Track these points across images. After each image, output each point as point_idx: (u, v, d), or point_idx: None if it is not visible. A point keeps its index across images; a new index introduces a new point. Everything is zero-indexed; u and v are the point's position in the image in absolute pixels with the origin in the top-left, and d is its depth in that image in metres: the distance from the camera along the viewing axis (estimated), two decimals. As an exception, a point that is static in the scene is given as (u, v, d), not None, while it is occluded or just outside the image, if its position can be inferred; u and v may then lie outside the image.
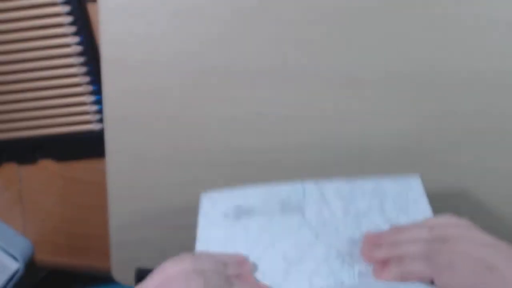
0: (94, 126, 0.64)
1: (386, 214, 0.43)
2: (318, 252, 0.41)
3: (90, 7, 0.60)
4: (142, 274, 0.58)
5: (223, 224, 0.44)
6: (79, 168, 0.66)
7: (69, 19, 0.59)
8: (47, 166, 0.67)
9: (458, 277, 0.35)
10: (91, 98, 0.63)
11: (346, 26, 0.50)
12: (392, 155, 0.52)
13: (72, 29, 0.60)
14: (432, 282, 0.36)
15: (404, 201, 0.44)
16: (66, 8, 0.59)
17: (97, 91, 0.62)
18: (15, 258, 0.64)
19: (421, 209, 0.43)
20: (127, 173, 0.56)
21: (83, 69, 0.61)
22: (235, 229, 0.44)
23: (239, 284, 0.38)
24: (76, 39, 0.60)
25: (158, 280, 0.36)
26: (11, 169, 0.68)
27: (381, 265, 0.38)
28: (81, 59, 0.61)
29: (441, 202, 0.52)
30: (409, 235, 0.39)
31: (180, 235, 0.57)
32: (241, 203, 0.46)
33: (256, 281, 0.39)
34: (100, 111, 0.63)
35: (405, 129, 0.52)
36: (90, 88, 0.62)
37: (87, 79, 0.62)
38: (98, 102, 0.63)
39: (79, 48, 0.61)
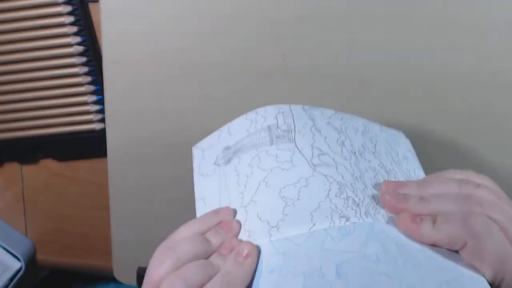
0: (96, 126, 0.64)
1: (380, 159, 0.38)
2: (318, 187, 0.35)
3: (91, 7, 0.60)
4: (143, 274, 0.58)
5: (215, 173, 0.40)
6: (81, 168, 0.66)
7: (70, 19, 0.60)
8: (48, 166, 0.67)
9: (495, 247, 0.31)
10: (93, 98, 0.63)
11: (346, 26, 0.50)
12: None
13: (74, 29, 0.60)
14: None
15: (395, 151, 0.40)
16: (67, 8, 0.59)
17: (99, 91, 0.62)
18: (17, 258, 0.64)
19: (412, 164, 0.40)
20: (129, 172, 0.57)
21: (84, 69, 0.62)
22: (226, 175, 0.38)
23: (221, 258, 0.34)
24: (77, 39, 0.60)
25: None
26: (13, 169, 0.68)
27: (412, 218, 0.33)
28: (82, 59, 0.61)
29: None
30: (438, 188, 0.34)
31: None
32: (229, 143, 0.40)
33: (239, 244, 0.34)
34: (101, 111, 0.63)
35: (405, 129, 0.52)
36: (91, 88, 0.62)
37: (88, 79, 0.62)
38: (100, 102, 0.63)
39: (80, 48, 0.61)
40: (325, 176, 0.35)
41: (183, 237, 0.36)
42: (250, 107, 0.53)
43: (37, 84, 0.62)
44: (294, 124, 0.39)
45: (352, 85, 0.51)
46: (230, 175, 0.38)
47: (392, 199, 0.34)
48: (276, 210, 0.34)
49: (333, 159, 0.37)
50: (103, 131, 0.59)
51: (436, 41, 0.49)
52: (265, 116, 0.40)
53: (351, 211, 0.33)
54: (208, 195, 0.39)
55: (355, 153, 0.38)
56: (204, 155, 0.42)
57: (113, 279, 0.61)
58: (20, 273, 0.64)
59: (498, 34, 0.49)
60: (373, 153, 0.39)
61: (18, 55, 0.61)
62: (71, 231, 0.69)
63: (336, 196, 0.34)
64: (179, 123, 0.54)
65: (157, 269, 0.34)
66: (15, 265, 0.64)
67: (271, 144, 0.38)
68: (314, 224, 0.33)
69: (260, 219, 0.34)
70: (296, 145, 0.37)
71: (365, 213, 0.34)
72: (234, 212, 0.36)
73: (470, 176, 0.35)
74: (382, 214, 0.34)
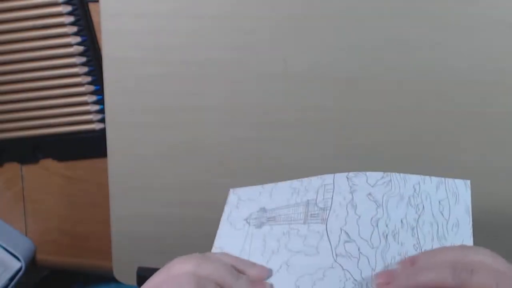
0: (96, 126, 0.64)
1: (419, 236, 0.36)
2: (333, 281, 0.35)
3: (91, 7, 0.60)
4: (143, 273, 0.59)
5: (243, 231, 0.41)
6: (81, 168, 0.66)
7: (70, 19, 0.60)
8: (48, 166, 0.67)
9: None
10: (93, 97, 0.63)
11: (346, 26, 0.50)
12: (393, 155, 0.52)
13: (74, 29, 0.60)
14: None
15: (445, 219, 0.37)
16: (67, 8, 0.59)
17: (99, 91, 0.62)
18: (17, 258, 0.64)
19: (460, 235, 0.37)
20: (129, 172, 0.56)
21: (84, 69, 0.62)
22: (253, 240, 0.39)
23: None
24: (77, 39, 0.60)
25: (161, 278, 0.36)
26: (13, 169, 0.68)
27: None
28: (82, 59, 0.61)
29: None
30: (431, 277, 0.32)
31: (182, 234, 0.57)
32: (267, 206, 0.41)
33: None
34: (101, 111, 0.63)
35: (405, 129, 0.52)
36: (91, 88, 0.62)
37: (88, 79, 0.62)
38: (100, 102, 0.63)
39: (80, 48, 0.61)
40: (343, 270, 0.35)
41: (216, 257, 0.37)
42: (250, 106, 0.53)
43: (37, 84, 0.62)
44: (332, 200, 0.39)
45: (352, 85, 0.51)
46: (257, 241, 0.39)
47: None
48: None
49: (358, 249, 0.36)
50: (103, 131, 0.59)
51: (436, 41, 0.49)
52: (308, 188, 0.40)
53: None
54: (229, 249, 0.40)
55: (387, 236, 0.36)
56: (239, 204, 0.43)
57: (113, 279, 0.61)
58: (20, 273, 0.64)
59: (498, 34, 0.49)
60: (413, 228, 0.37)
61: (18, 55, 0.61)
62: (71, 231, 0.69)
63: None
64: (179, 122, 0.54)
65: (181, 265, 0.35)
66: (15, 265, 0.64)
67: (304, 223, 0.38)
68: None
69: None
70: (326, 228, 0.37)
71: None
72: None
73: (465, 254, 0.33)
74: None
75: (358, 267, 0.35)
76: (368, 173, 0.39)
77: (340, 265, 0.35)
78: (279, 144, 0.54)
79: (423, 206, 0.38)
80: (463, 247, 0.35)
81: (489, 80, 0.50)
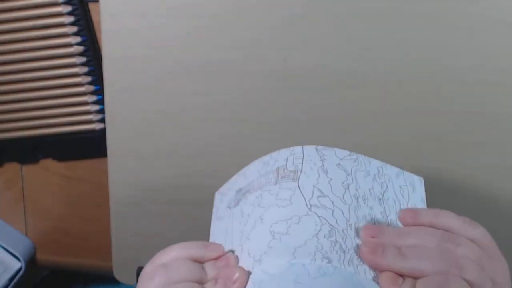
0: (96, 126, 0.64)
1: (384, 207, 0.38)
2: (308, 226, 0.35)
3: (91, 7, 0.60)
4: (143, 274, 0.59)
5: (226, 216, 0.41)
6: (81, 168, 0.66)
7: (70, 19, 0.60)
8: (48, 166, 0.67)
9: None
10: (93, 98, 0.63)
11: (346, 25, 0.50)
12: (393, 155, 0.52)
13: (74, 29, 0.60)
14: None
15: (405, 200, 0.39)
16: (67, 8, 0.59)
17: (99, 91, 0.62)
18: (17, 258, 0.65)
19: None
20: (129, 172, 0.57)
21: (84, 69, 0.62)
22: (234, 216, 0.39)
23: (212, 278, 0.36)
24: (77, 39, 0.60)
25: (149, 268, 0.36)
26: (13, 169, 0.68)
27: (393, 280, 0.33)
28: (82, 59, 0.61)
29: (441, 202, 0.52)
30: (418, 240, 0.34)
31: (181, 234, 0.57)
32: (241, 185, 0.41)
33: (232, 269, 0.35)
34: (101, 111, 0.63)
35: (405, 129, 0.52)
36: (91, 88, 0.62)
37: (88, 79, 0.62)
38: (100, 102, 0.63)
39: (80, 48, 0.61)
40: (319, 217, 0.35)
41: (177, 258, 0.37)
42: (250, 106, 0.53)
43: (37, 84, 0.62)
44: (302, 165, 0.39)
45: (352, 85, 0.51)
46: (236, 215, 0.39)
47: (369, 251, 0.34)
48: (263, 243, 0.35)
49: (332, 202, 0.36)
50: (103, 131, 0.59)
51: (436, 41, 0.49)
52: (277, 158, 0.41)
53: (335, 255, 0.33)
54: (217, 237, 0.40)
55: (358, 198, 0.37)
56: (222, 199, 0.43)
57: (113, 279, 0.61)
58: (20, 273, 0.64)
59: (498, 34, 0.49)
60: (379, 199, 0.38)
61: (18, 55, 0.61)
62: (71, 231, 0.69)
63: (324, 237, 0.34)
64: (179, 122, 0.54)
65: (147, 284, 0.35)
66: (15, 265, 0.64)
67: (275, 184, 0.38)
68: (295, 258, 0.33)
69: (249, 254, 0.35)
70: (298, 184, 0.37)
71: (348, 262, 0.33)
72: (232, 251, 0.37)
73: (458, 227, 0.35)
74: (365, 268, 0.34)
75: (333, 216, 0.35)
76: (336, 148, 0.40)
77: (316, 213, 0.35)
78: (279, 144, 0.53)
79: (387, 186, 0.39)
80: (461, 217, 0.36)
81: (489, 80, 0.50)
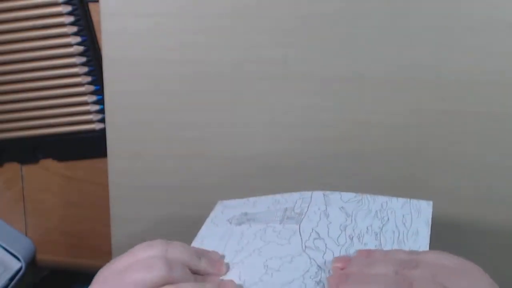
0: (96, 126, 0.64)
1: (380, 240, 0.41)
2: (299, 265, 0.38)
3: (91, 7, 0.60)
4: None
5: (223, 226, 0.44)
6: (81, 168, 0.66)
7: (70, 19, 0.60)
8: (48, 166, 0.67)
9: None
10: (93, 98, 0.63)
11: (346, 26, 0.50)
12: (393, 155, 0.52)
13: (74, 29, 0.60)
14: None
15: (406, 228, 0.42)
16: (67, 8, 0.59)
17: (99, 91, 0.62)
18: (17, 258, 0.65)
19: (418, 242, 0.41)
20: (129, 173, 0.57)
21: (84, 69, 0.62)
22: (232, 233, 0.43)
23: (204, 280, 0.37)
24: (77, 39, 0.60)
25: (125, 262, 0.36)
26: (13, 169, 0.68)
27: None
28: (82, 59, 0.61)
29: (441, 201, 0.52)
30: (380, 269, 0.35)
31: (182, 234, 0.57)
32: (248, 211, 0.46)
33: (220, 282, 0.37)
34: (101, 111, 0.63)
35: (405, 129, 0.52)
36: (91, 88, 0.62)
37: (88, 79, 0.62)
38: (100, 102, 0.63)
39: (80, 48, 0.61)
40: (310, 258, 0.39)
41: (180, 244, 0.38)
42: (250, 105, 0.53)
43: (37, 84, 0.62)
44: (308, 209, 0.44)
45: (352, 85, 0.51)
46: (235, 234, 0.43)
47: (334, 280, 0.36)
48: (256, 274, 0.38)
49: (325, 244, 0.40)
50: (103, 131, 0.60)
51: (436, 41, 0.49)
52: (288, 200, 0.46)
53: None
54: (208, 239, 0.43)
55: (352, 238, 0.40)
56: (224, 211, 0.47)
57: (113, 279, 0.61)
58: (20, 273, 0.64)
59: (498, 34, 0.49)
60: (376, 234, 0.41)
61: (18, 55, 0.61)
62: (71, 231, 0.69)
63: (310, 277, 0.37)
64: (179, 122, 0.54)
65: (146, 250, 0.36)
66: (15, 265, 0.64)
67: (280, 223, 0.43)
68: None
69: (239, 278, 0.38)
70: (299, 227, 0.42)
71: None
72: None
73: (415, 254, 0.36)
74: None
75: (323, 257, 0.39)
76: (342, 192, 0.45)
77: (308, 254, 0.39)
78: (279, 144, 0.54)
79: (388, 218, 0.43)
80: (414, 251, 0.38)
81: (489, 80, 0.50)
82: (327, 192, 0.45)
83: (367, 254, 0.38)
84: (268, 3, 0.50)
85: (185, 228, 0.57)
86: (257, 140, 0.54)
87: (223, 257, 0.40)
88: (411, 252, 0.37)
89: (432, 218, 0.42)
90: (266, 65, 0.52)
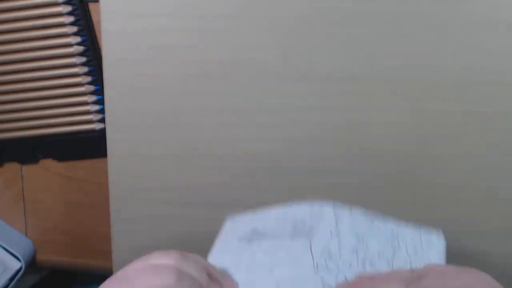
0: (96, 126, 0.64)
1: (394, 266, 0.40)
2: (310, 287, 0.38)
3: (91, 7, 0.60)
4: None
5: (235, 248, 0.44)
6: (81, 168, 0.66)
7: (70, 19, 0.60)
8: (48, 166, 0.67)
9: None
10: (93, 98, 0.63)
11: (346, 26, 0.50)
12: (393, 155, 0.52)
13: (74, 29, 0.60)
14: None
15: (418, 257, 0.41)
16: (67, 8, 0.59)
17: (99, 91, 0.62)
18: (17, 258, 0.65)
19: None
20: (129, 173, 0.56)
21: (84, 69, 0.62)
22: (243, 253, 0.43)
23: None
24: (77, 39, 0.60)
25: (139, 265, 0.37)
26: (13, 169, 0.68)
27: None
28: (82, 59, 0.61)
29: (441, 201, 0.52)
30: (391, 285, 0.36)
31: (182, 235, 0.57)
32: (258, 226, 0.45)
33: None
34: (101, 111, 0.63)
35: (405, 129, 0.52)
36: (91, 88, 0.62)
37: (88, 79, 0.62)
38: (100, 102, 0.63)
39: (80, 48, 0.61)
40: (322, 278, 0.39)
41: (196, 260, 0.39)
42: (250, 106, 0.53)
43: (37, 84, 0.62)
44: (318, 225, 0.43)
45: (352, 85, 0.51)
46: (246, 254, 0.42)
47: None
48: None
49: (337, 266, 0.39)
50: (103, 131, 0.59)
51: (436, 41, 0.49)
52: (297, 212, 0.45)
53: None
54: (219, 258, 0.43)
55: (364, 263, 0.40)
56: (235, 226, 0.47)
57: (113, 279, 0.61)
58: (20, 273, 0.64)
59: (498, 34, 0.49)
60: (388, 261, 0.40)
61: (18, 55, 0.61)
62: (71, 231, 0.69)
63: None
64: (180, 123, 0.54)
65: (161, 257, 0.38)
66: (15, 265, 0.64)
67: (290, 239, 0.42)
68: None
69: None
70: (310, 244, 0.41)
71: None
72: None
73: (417, 272, 0.36)
74: None
75: (336, 279, 0.38)
76: (353, 209, 0.44)
77: (320, 275, 0.39)
78: (279, 145, 0.54)
79: (399, 246, 0.42)
80: (416, 268, 0.38)
81: (489, 80, 0.50)
82: (337, 206, 0.44)
83: (371, 277, 0.38)
84: (268, 3, 0.51)
85: (185, 228, 0.57)
86: (257, 140, 0.54)
87: (233, 277, 0.40)
88: (413, 270, 0.37)
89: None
90: (266, 65, 0.52)
